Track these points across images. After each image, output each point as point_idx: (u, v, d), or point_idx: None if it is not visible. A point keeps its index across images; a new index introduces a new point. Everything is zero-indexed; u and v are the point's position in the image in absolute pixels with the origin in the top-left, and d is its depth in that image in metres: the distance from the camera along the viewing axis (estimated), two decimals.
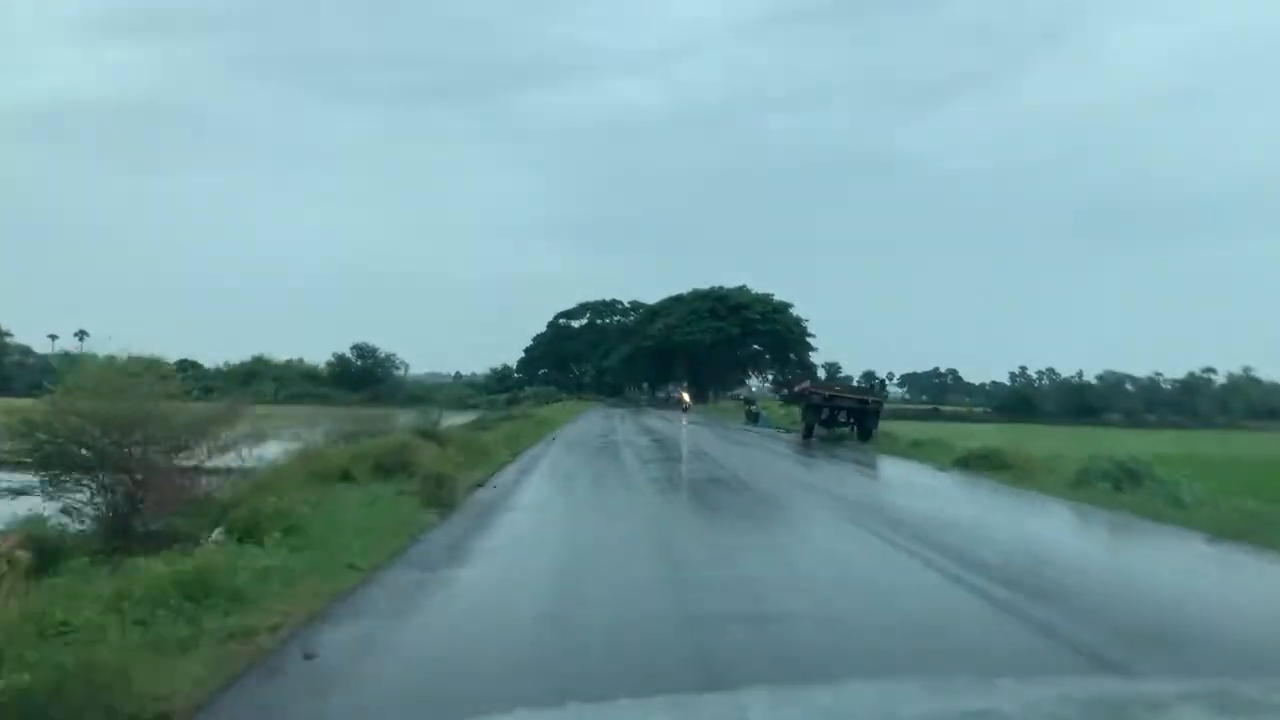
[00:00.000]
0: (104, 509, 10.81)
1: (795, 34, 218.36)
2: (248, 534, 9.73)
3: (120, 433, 10.76)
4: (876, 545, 10.03)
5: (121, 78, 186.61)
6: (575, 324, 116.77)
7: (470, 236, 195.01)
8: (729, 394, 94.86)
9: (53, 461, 10.90)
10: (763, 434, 36.33)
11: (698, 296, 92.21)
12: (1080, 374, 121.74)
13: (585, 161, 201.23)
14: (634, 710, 1.83)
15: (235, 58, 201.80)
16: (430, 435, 21.67)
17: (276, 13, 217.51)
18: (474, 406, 77.55)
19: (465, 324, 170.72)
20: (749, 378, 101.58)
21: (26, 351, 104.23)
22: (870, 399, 30.48)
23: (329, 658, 5.78)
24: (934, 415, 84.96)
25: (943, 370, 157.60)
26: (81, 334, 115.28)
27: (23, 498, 11.28)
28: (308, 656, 5.82)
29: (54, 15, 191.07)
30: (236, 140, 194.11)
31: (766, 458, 24.12)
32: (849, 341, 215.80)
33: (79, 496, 10.90)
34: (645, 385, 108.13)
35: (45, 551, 8.72)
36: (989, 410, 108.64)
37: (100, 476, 10.80)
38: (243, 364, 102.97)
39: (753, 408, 47.34)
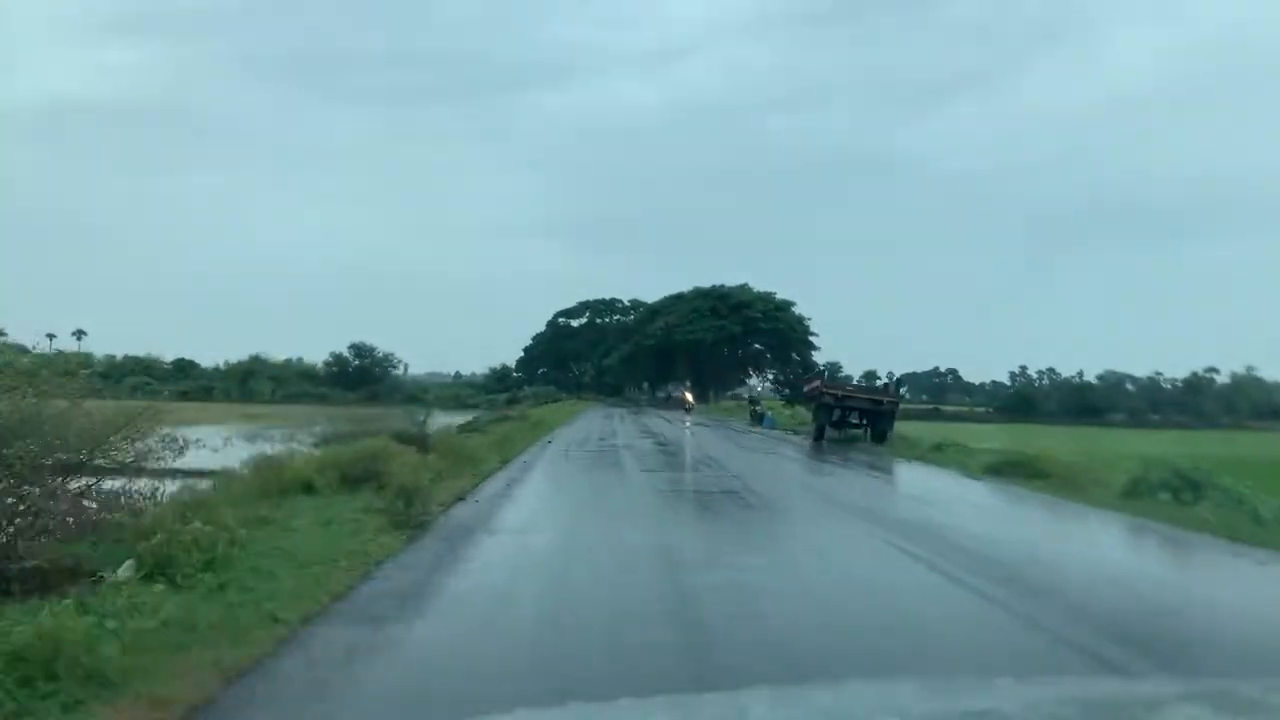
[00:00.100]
0: None
1: (795, 34, 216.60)
2: (160, 569, 7.73)
3: None
4: (948, 589, 7.95)
5: (121, 78, 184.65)
6: (575, 323, 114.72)
7: (470, 236, 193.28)
8: (729, 393, 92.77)
9: None
10: (770, 436, 34.25)
11: (699, 295, 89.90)
12: (1080, 374, 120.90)
13: (585, 161, 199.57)
14: (634, 710, 1.81)
15: (235, 58, 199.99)
16: (413, 439, 19.60)
17: (276, 13, 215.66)
18: (473, 406, 75.94)
19: (465, 324, 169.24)
20: (750, 377, 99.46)
21: (22, 350, 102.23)
22: (885, 399, 28.41)
23: None
24: (935, 415, 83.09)
25: (943, 370, 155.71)
26: (79, 333, 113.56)
27: None
28: None
29: (54, 15, 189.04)
30: (236, 140, 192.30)
31: (780, 464, 22.04)
32: (849, 341, 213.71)
33: None
34: (645, 385, 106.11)
35: None
36: (990, 410, 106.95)
37: None
38: (240, 363, 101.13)
39: (758, 408, 45.21)
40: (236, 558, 8.49)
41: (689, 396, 51.40)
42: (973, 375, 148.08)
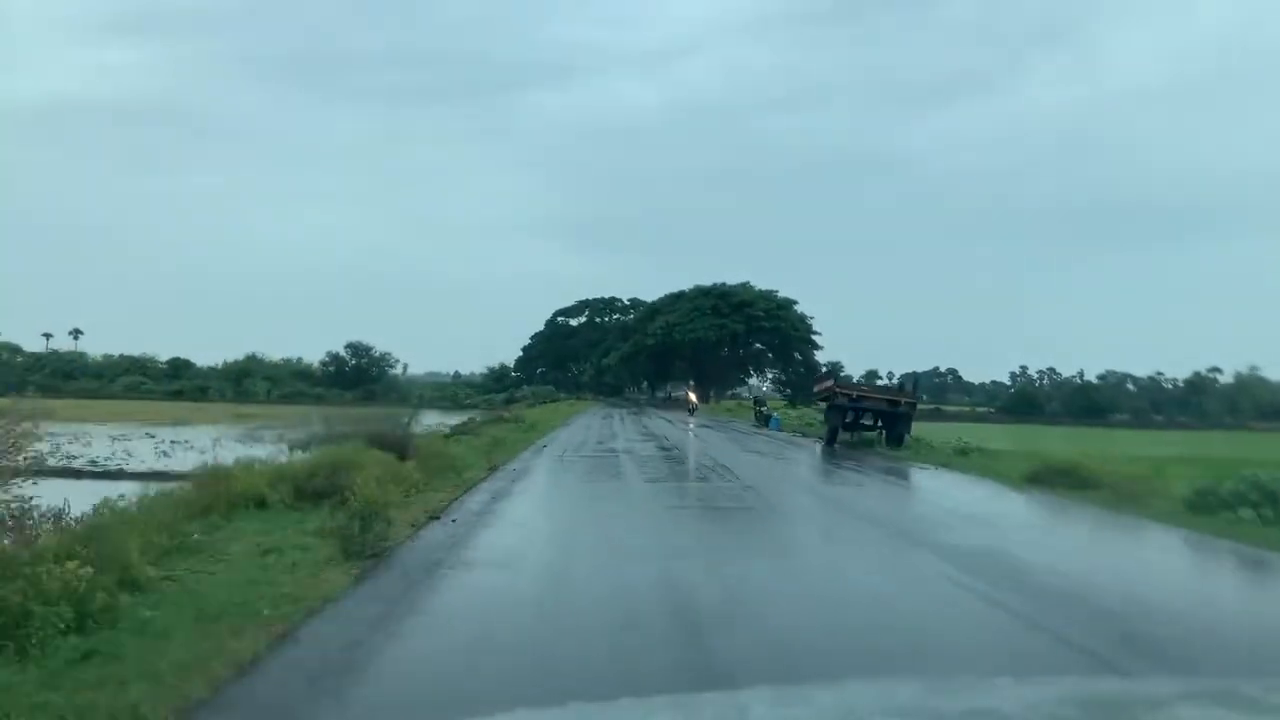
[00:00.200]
0: None
1: (795, 34, 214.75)
2: (10, 629, 5.78)
3: None
4: (1049, 648, 5.93)
5: (121, 78, 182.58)
6: (574, 322, 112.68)
7: (470, 236, 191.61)
8: (729, 393, 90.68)
9: None
10: (777, 439, 32.17)
11: (700, 293, 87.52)
12: (1081, 374, 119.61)
13: (585, 161, 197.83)
14: (634, 710, 1.79)
15: (235, 58, 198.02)
16: (392, 444, 17.56)
17: (276, 13, 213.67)
18: (470, 406, 74.11)
19: (465, 324, 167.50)
20: (751, 377, 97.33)
21: (15, 350, 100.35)
22: (903, 400, 26.31)
23: None
24: (937, 416, 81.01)
25: (943, 370, 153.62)
26: (76, 332, 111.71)
27: None
28: None
29: (54, 15, 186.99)
30: (236, 140, 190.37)
31: (796, 472, 19.95)
32: (849, 341, 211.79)
33: None
34: (645, 384, 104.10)
35: None
36: (992, 410, 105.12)
37: None
38: (235, 363, 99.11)
39: (763, 409, 43.03)
40: (125, 608, 6.49)
41: (693, 397, 48.88)
42: (973, 375, 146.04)
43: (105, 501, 10.51)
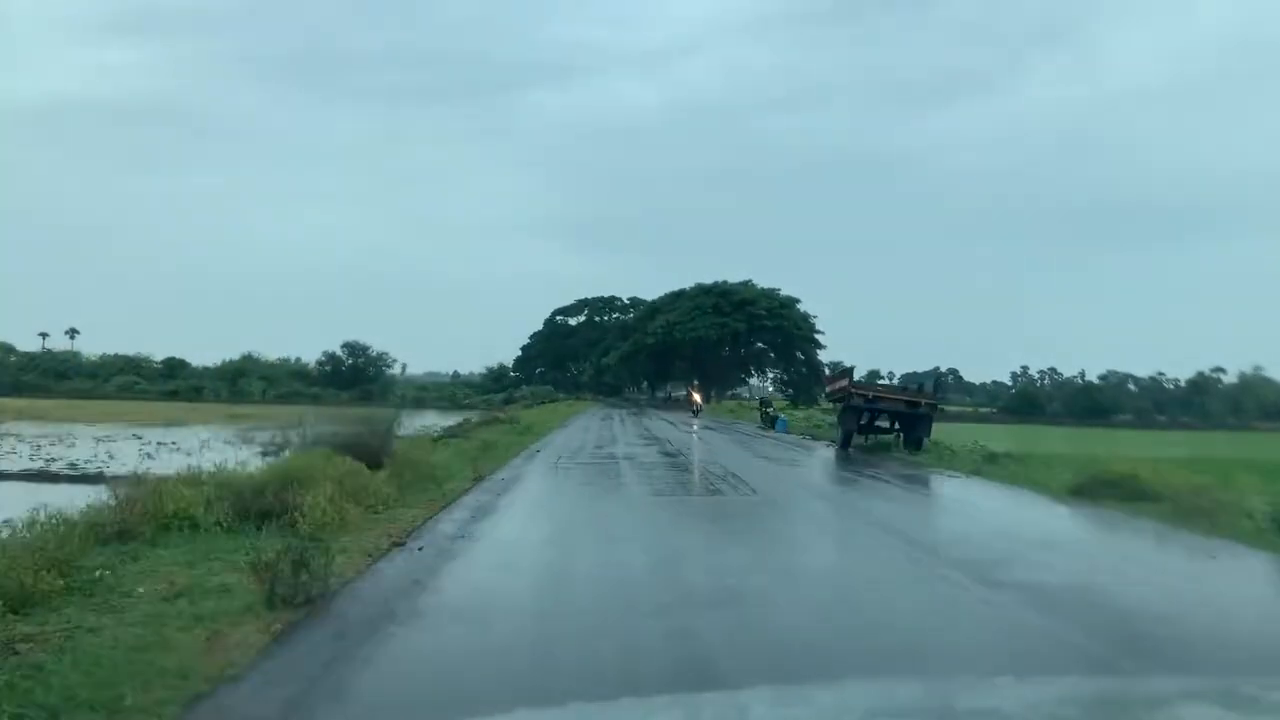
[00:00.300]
0: None
1: (795, 34, 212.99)
2: None
3: None
4: None
5: (121, 78, 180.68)
6: (573, 321, 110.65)
7: (470, 236, 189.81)
8: (729, 393, 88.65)
9: None
10: (786, 442, 30.19)
11: (701, 292, 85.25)
12: (1082, 374, 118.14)
13: (585, 161, 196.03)
14: (635, 709, 1.75)
15: (235, 58, 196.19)
16: (366, 451, 15.60)
17: (277, 13, 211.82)
18: (469, 407, 72.34)
19: (465, 324, 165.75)
20: (752, 377, 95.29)
21: (9, 349, 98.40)
22: (923, 400, 24.33)
23: None
24: (939, 416, 78.98)
25: (943, 369, 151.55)
26: (72, 332, 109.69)
27: None
28: None
29: (54, 15, 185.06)
30: (236, 140, 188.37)
31: (819, 483, 17.82)
32: (849, 341, 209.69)
33: None
34: (644, 384, 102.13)
35: None
36: (994, 410, 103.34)
37: None
38: (230, 363, 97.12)
39: (769, 410, 40.95)
40: None
41: (697, 397, 46.36)
42: (973, 375, 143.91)
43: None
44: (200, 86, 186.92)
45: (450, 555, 8.68)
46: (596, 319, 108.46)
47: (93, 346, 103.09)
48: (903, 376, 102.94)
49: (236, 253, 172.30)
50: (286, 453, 17.77)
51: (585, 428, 35.58)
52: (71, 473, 24.42)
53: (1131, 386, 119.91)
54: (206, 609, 6.59)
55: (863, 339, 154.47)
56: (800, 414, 44.89)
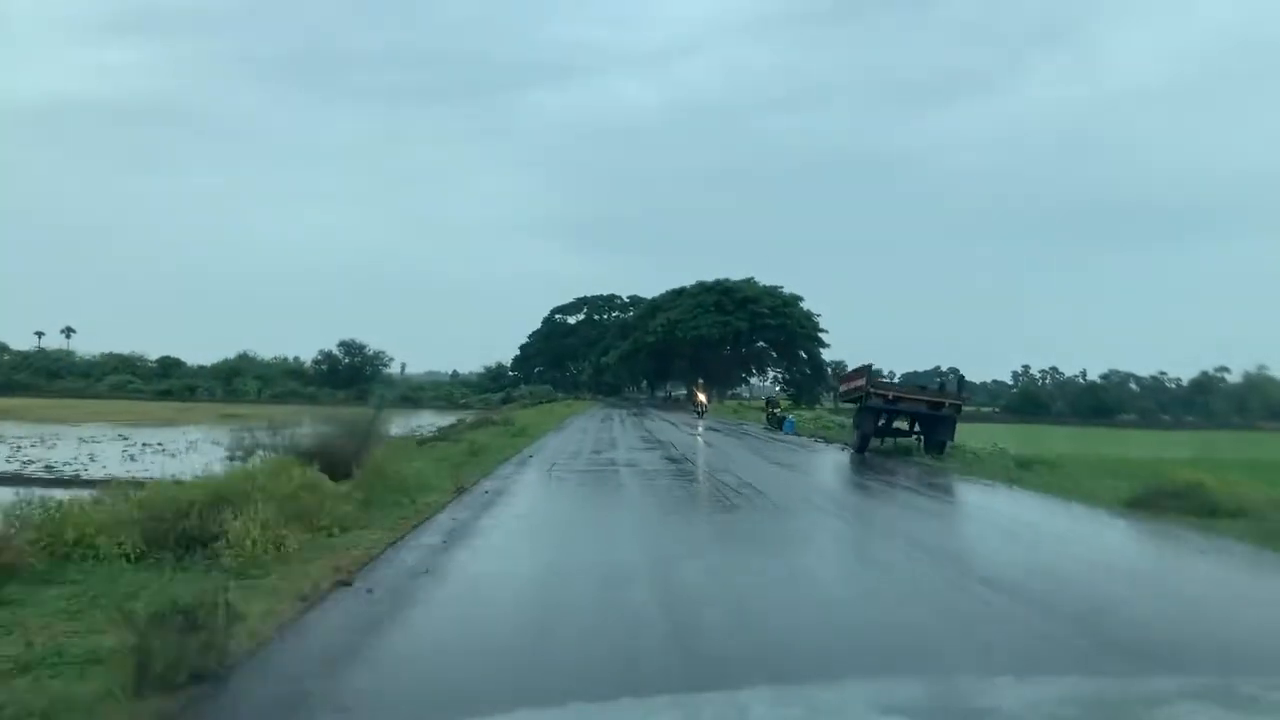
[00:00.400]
0: None
1: (795, 34, 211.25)
2: None
3: None
4: None
5: (121, 78, 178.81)
6: (572, 320, 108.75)
7: (470, 236, 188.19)
8: (730, 393, 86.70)
9: None
10: (796, 444, 28.23)
11: (703, 289, 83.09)
12: (1084, 373, 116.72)
13: (585, 161, 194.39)
14: (635, 709, 1.73)
15: (235, 58, 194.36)
16: (337, 456, 13.70)
17: (276, 13, 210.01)
18: (466, 406, 70.52)
19: (465, 324, 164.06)
20: (753, 376, 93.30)
21: (2, 348, 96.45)
22: (947, 402, 22.41)
23: None
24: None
25: (944, 369, 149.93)
26: (68, 330, 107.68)
27: None
28: None
29: (54, 15, 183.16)
30: (236, 140, 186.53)
31: (849, 496, 15.68)
32: (849, 341, 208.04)
33: None
34: (644, 384, 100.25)
35: None
36: (996, 410, 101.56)
37: None
38: (225, 362, 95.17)
39: (777, 411, 38.90)
40: None
41: (702, 397, 43.60)
42: (974, 375, 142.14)
43: None
44: (200, 86, 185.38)
45: (406, 600, 6.76)
46: (596, 317, 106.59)
47: (91, 346, 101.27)
48: (903, 376, 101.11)
49: (236, 252, 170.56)
50: (256, 458, 15.98)
51: (583, 429, 33.58)
52: (47, 475, 23.03)
53: (1133, 386, 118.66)
54: (54, 692, 4.71)
55: (863, 339, 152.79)
56: (808, 414, 42.94)
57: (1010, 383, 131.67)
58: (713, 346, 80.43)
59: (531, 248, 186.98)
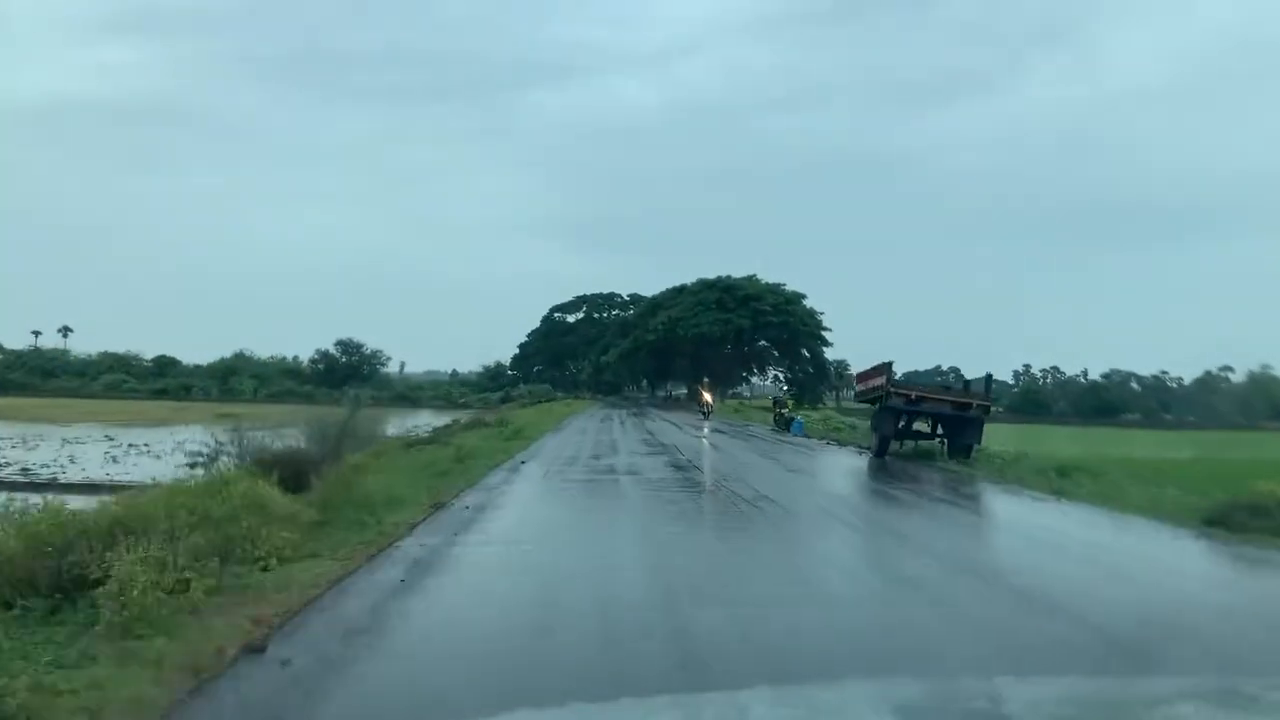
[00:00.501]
0: None
1: (795, 34, 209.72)
2: None
3: None
4: None
5: (121, 78, 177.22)
6: (571, 319, 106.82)
7: (470, 236, 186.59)
8: (731, 392, 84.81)
9: None
10: (807, 447, 26.38)
11: (704, 287, 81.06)
12: (1085, 373, 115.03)
13: (585, 161, 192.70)
14: (635, 709, 1.71)
15: (235, 58, 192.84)
16: (299, 465, 11.89)
17: (276, 13, 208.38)
18: (465, 406, 68.94)
19: (465, 323, 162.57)
20: (754, 375, 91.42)
21: None
22: (974, 402, 20.63)
23: None
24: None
25: (944, 369, 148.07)
26: (65, 330, 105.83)
27: None
28: None
29: (54, 15, 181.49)
30: (236, 140, 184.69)
31: (881, 512, 13.97)
32: (850, 341, 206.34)
33: None
34: (644, 383, 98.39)
35: None
36: (999, 410, 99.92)
37: None
38: (221, 361, 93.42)
39: (784, 412, 37.03)
40: None
41: (708, 397, 41.33)
42: (974, 374, 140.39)
43: None
44: (200, 86, 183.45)
45: (336, 676, 4.91)
46: (595, 316, 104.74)
47: (89, 346, 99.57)
48: (903, 376, 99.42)
49: (236, 252, 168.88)
50: (220, 464, 14.20)
51: (582, 431, 31.70)
52: (20, 479, 21.57)
53: (1135, 386, 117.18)
54: None
55: (863, 339, 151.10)
56: (816, 415, 41.08)
57: (1011, 382, 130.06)
58: (714, 345, 78.51)
59: (531, 247, 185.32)
